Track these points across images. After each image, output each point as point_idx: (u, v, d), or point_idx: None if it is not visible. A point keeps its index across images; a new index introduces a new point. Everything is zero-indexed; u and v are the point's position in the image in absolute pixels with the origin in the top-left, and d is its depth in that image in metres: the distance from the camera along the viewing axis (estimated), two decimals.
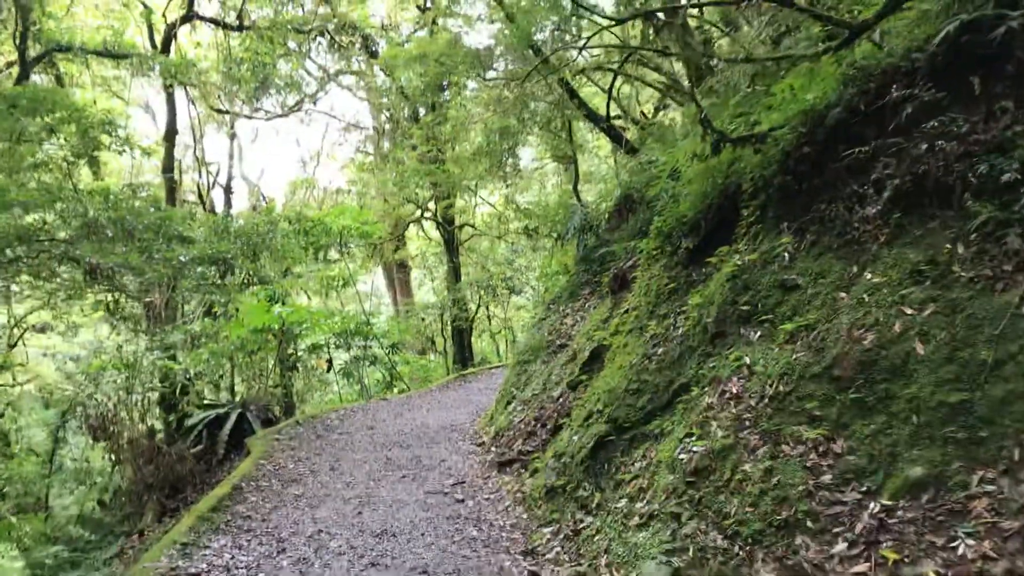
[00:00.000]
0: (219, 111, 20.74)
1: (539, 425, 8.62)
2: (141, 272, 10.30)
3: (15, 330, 20.92)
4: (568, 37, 13.45)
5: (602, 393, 6.97)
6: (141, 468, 10.09)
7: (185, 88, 18.98)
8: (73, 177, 11.48)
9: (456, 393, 15.11)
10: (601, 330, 8.84)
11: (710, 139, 6.64)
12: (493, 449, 9.11)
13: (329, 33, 19.46)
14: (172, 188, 18.17)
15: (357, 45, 21.71)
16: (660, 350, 6.55)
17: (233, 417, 11.47)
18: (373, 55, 21.82)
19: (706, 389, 5.72)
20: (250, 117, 21.27)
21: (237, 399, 13.54)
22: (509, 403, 10.52)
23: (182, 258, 10.94)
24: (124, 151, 11.85)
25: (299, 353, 19.80)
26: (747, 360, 5.45)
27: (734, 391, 5.38)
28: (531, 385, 10.26)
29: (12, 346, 21.21)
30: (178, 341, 16.61)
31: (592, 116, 13.93)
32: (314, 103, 27.09)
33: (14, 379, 23.22)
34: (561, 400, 8.58)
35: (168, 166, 18.19)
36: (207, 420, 11.65)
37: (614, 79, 13.48)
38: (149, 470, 10.00)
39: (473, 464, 8.78)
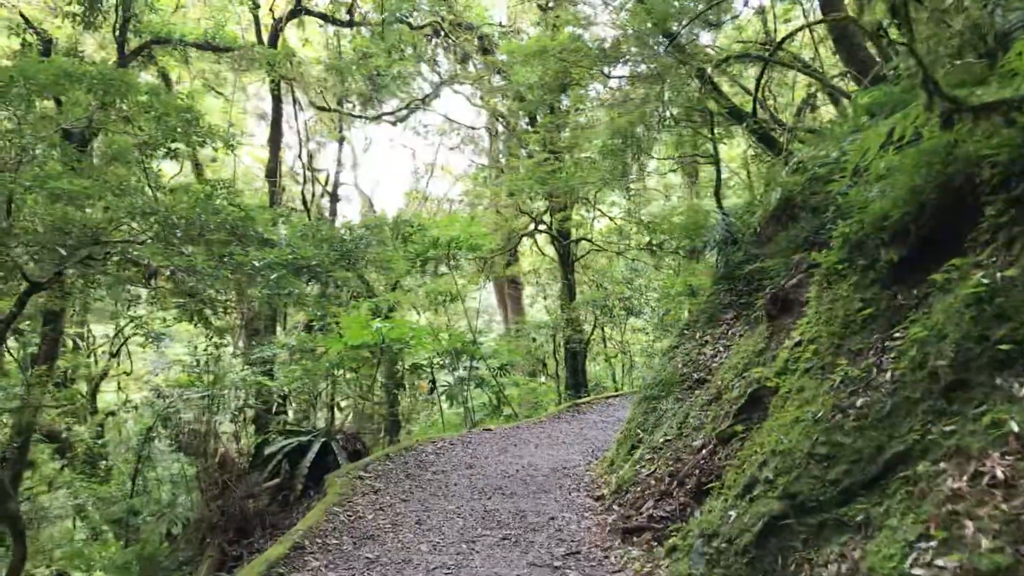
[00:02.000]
0: (322, 108, 19.92)
1: (675, 484, 6.91)
2: (206, 278, 9.21)
3: (117, 338, 20.71)
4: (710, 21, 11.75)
5: (770, 454, 5.22)
6: (208, 503, 8.95)
7: (291, 88, 18.23)
8: (148, 171, 10.57)
9: (568, 426, 13.49)
10: (759, 366, 7.07)
11: (937, 108, 4.82)
12: (615, 508, 7.44)
13: (443, 30, 18.33)
14: (275, 193, 17.39)
15: (474, 46, 20.55)
16: (859, 401, 4.76)
17: (315, 448, 10.23)
18: (489, 54, 20.59)
19: (943, 465, 3.94)
20: (357, 116, 20.37)
21: (322, 425, 12.34)
22: (634, 448, 8.83)
23: (256, 263, 9.82)
24: (207, 145, 10.84)
25: (405, 371, 18.67)
26: (1014, 426, 3.66)
27: (999, 474, 3.59)
28: (662, 428, 8.54)
29: (113, 355, 21.02)
30: (271, 356, 15.71)
31: (735, 112, 12.12)
32: (425, 109, 26.25)
33: (120, 389, 23.15)
34: (705, 453, 6.84)
35: (272, 169, 17.43)
36: (287, 449, 10.46)
37: (764, 68, 11.67)
38: (216, 507, 8.83)
39: (590, 526, 7.15)
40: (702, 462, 6.78)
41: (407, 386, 19.15)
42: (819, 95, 18.37)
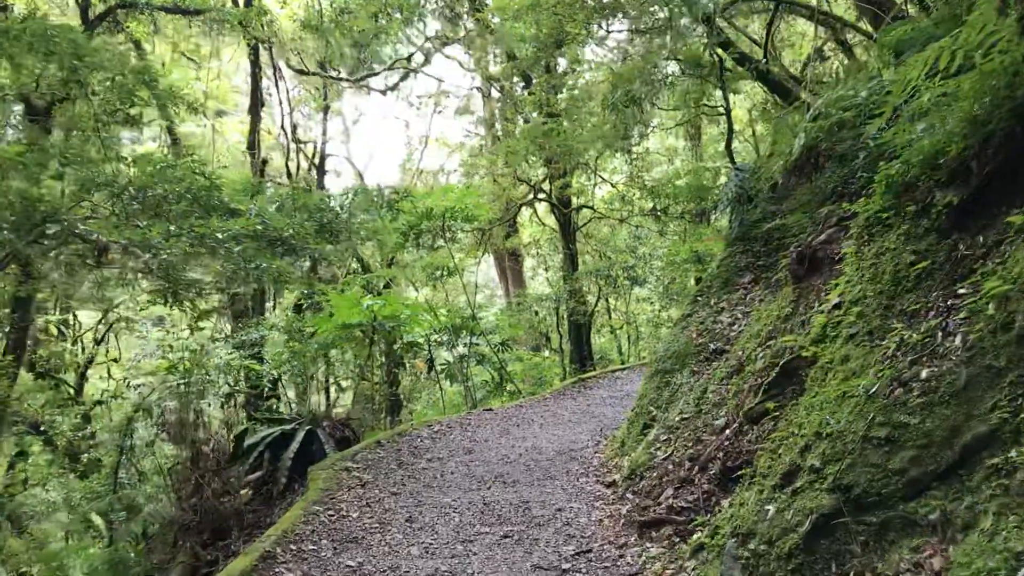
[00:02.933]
0: (301, 72, 18.95)
1: (697, 469, 6.14)
2: (159, 252, 8.36)
3: (102, 324, 19.96)
4: None
5: (813, 437, 4.44)
6: (182, 502, 8.21)
7: (271, 53, 17.30)
8: (106, 140, 9.73)
9: (574, 402, 12.74)
10: (787, 333, 6.28)
11: (1016, 10, 3.98)
12: (629, 497, 6.69)
13: None
14: (256, 166, 16.53)
15: (463, 5, 19.50)
16: (924, 372, 3.96)
17: (300, 437, 9.46)
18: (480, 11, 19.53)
19: None
20: (339, 79, 19.40)
21: (319, 410, 11.57)
22: (647, 428, 8.06)
23: (220, 235, 8.98)
24: (169, 108, 9.98)
25: (402, 350, 17.93)
26: None
27: None
28: (677, 404, 7.76)
29: (99, 341, 20.28)
30: (258, 338, 14.96)
31: (744, 59, 11.22)
32: (417, 73, 25.29)
33: (109, 376, 22.41)
34: (729, 434, 6.07)
35: (253, 141, 16.55)
36: (270, 439, 9.70)
37: (775, 11, 10.77)
38: (189, 506, 8.09)
39: (602, 519, 6.40)
40: (727, 444, 6.01)
41: (406, 365, 18.38)
42: (828, 46, 17.42)
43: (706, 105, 16.07)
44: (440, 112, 26.97)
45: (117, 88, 8.68)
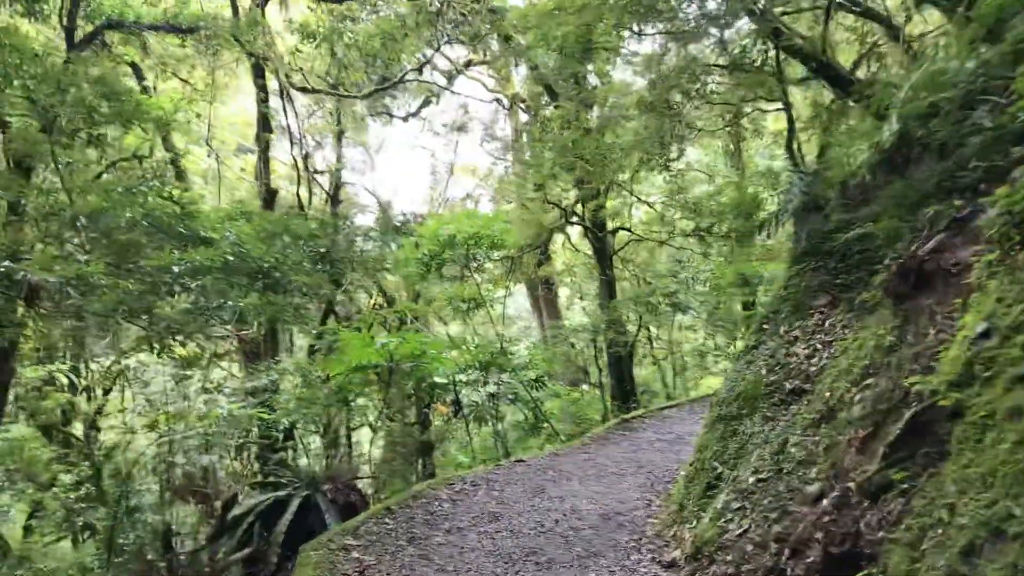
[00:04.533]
0: (304, 89, 17.86)
1: (789, 554, 4.71)
2: (108, 290, 7.12)
3: (110, 373, 18.91)
4: None
5: (982, 531, 3.01)
6: None
7: (277, 74, 16.26)
8: (59, 161, 8.57)
9: (619, 449, 11.29)
10: (894, 369, 4.87)
11: None
12: None
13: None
14: (267, 197, 15.43)
15: (484, 21, 18.35)
16: None
17: (295, 505, 8.15)
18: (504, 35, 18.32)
19: None
20: (347, 96, 18.26)
21: (306, 473, 10.25)
22: (711, 488, 6.62)
23: (175, 268, 7.74)
24: (134, 125, 8.87)
25: (428, 389, 16.62)
26: None
27: None
28: (748, 460, 6.32)
29: (107, 391, 19.25)
30: (270, 384, 13.77)
31: (800, 52, 9.84)
32: (438, 101, 24.26)
33: (125, 426, 21.34)
34: (830, 507, 4.63)
35: (264, 171, 15.47)
36: (260, 508, 8.39)
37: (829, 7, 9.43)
38: None
39: None
40: (827, 522, 4.57)
41: (431, 407, 17.07)
42: (882, 43, 15.96)
43: (756, 107, 14.55)
44: (465, 135, 25.91)
45: (74, 103, 7.55)
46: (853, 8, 13.35)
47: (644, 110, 12.76)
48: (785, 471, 5.67)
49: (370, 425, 17.09)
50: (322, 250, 9.78)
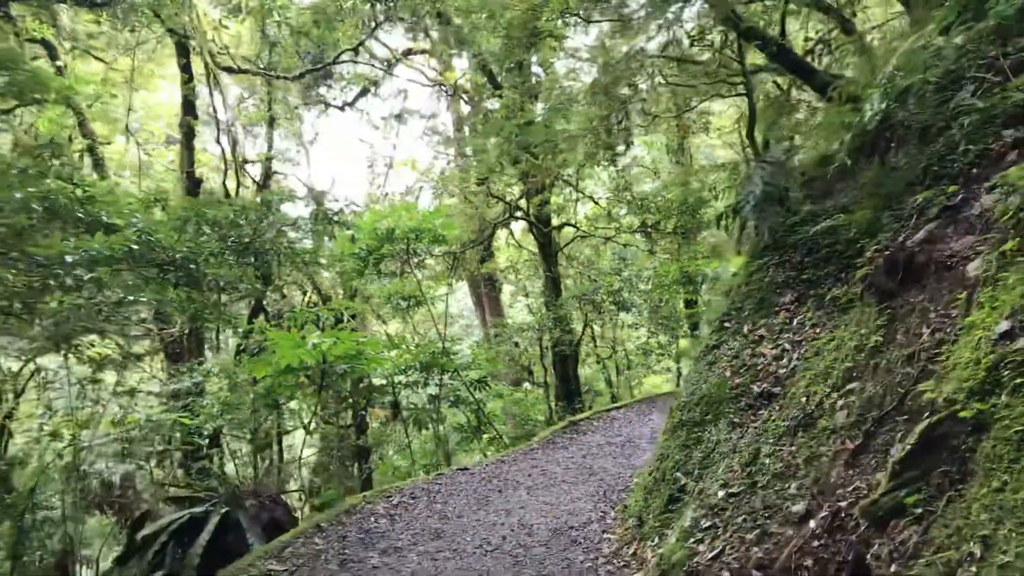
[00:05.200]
0: (229, 69, 16.84)
1: None
2: None
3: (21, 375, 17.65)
4: None
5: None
6: None
7: (203, 56, 15.26)
8: None
9: (567, 454, 10.72)
10: (883, 372, 4.39)
11: None
12: None
13: None
14: (190, 187, 14.46)
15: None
16: None
17: (213, 523, 7.36)
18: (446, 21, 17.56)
19: None
20: (276, 77, 17.30)
21: (228, 486, 9.43)
22: (675, 502, 6.08)
23: (68, 257, 6.86)
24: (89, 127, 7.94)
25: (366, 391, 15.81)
26: None
27: None
28: (716, 471, 5.79)
29: (19, 395, 17.97)
30: (192, 387, 12.87)
31: (759, 36, 9.38)
32: (377, 91, 23.41)
33: (40, 431, 20.03)
34: (819, 530, 4.10)
35: (186, 159, 14.48)
36: (174, 527, 7.58)
37: None
38: None
39: None
40: (818, 548, 4.02)
41: (367, 410, 16.29)
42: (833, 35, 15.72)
43: (709, 96, 14.07)
44: (405, 127, 25.12)
45: None
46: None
47: (595, 94, 12.18)
48: (760, 485, 5.14)
49: (304, 427, 16.25)
50: (246, 240, 8.92)
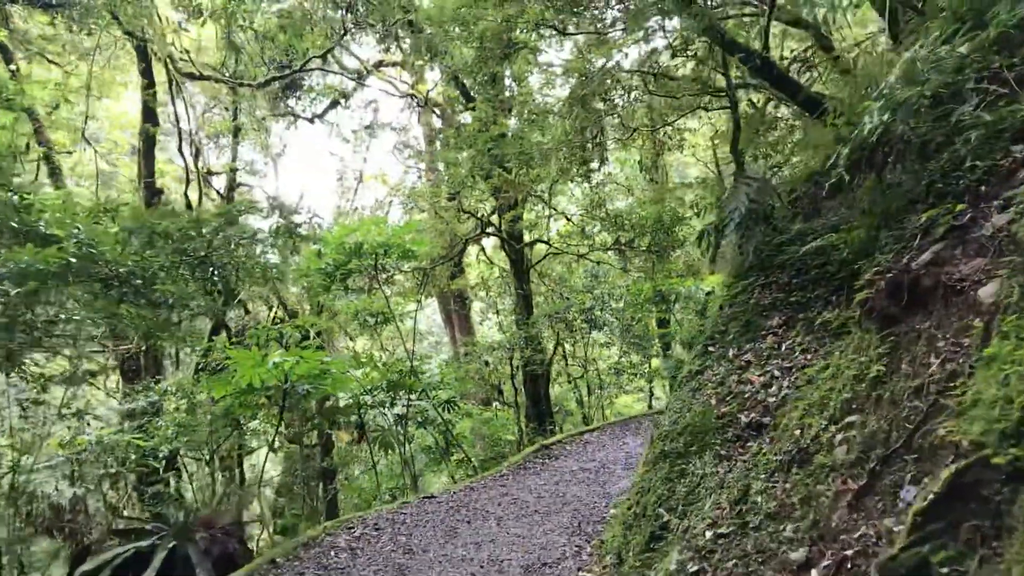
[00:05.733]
0: (191, 76, 16.27)
1: None
2: None
3: None
4: None
5: None
6: None
7: (166, 65, 14.74)
8: None
9: (539, 480, 10.29)
10: (888, 405, 4.05)
11: None
12: None
13: None
14: (149, 198, 13.89)
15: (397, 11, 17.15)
16: None
17: (159, 559, 6.83)
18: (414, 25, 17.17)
19: None
20: (241, 84, 16.79)
21: (178, 518, 8.86)
22: (657, 540, 5.69)
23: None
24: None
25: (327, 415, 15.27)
26: None
27: None
28: (702, 507, 5.41)
29: None
30: (149, 406, 12.29)
31: (741, 48, 9.08)
32: (348, 104, 22.98)
33: None
34: None
35: (147, 168, 13.91)
36: (119, 561, 7.04)
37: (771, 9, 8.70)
38: None
39: None
40: None
41: (341, 426, 15.73)
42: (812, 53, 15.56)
43: (685, 112, 13.74)
44: (376, 141, 24.68)
45: None
46: (779, 17, 12.82)
47: (571, 107, 11.85)
48: (751, 525, 4.75)
49: (269, 446, 15.69)
50: (201, 254, 8.39)
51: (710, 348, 7.11)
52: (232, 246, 8.89)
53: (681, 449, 6.12)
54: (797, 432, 5.05)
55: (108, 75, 18.74)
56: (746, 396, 6.09)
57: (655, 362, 23.04)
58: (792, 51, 16.40)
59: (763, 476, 5.07)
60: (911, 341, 4.44)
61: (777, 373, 6.09)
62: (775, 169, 9.08)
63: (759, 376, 6.22)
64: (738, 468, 5.46)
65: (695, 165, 28.14)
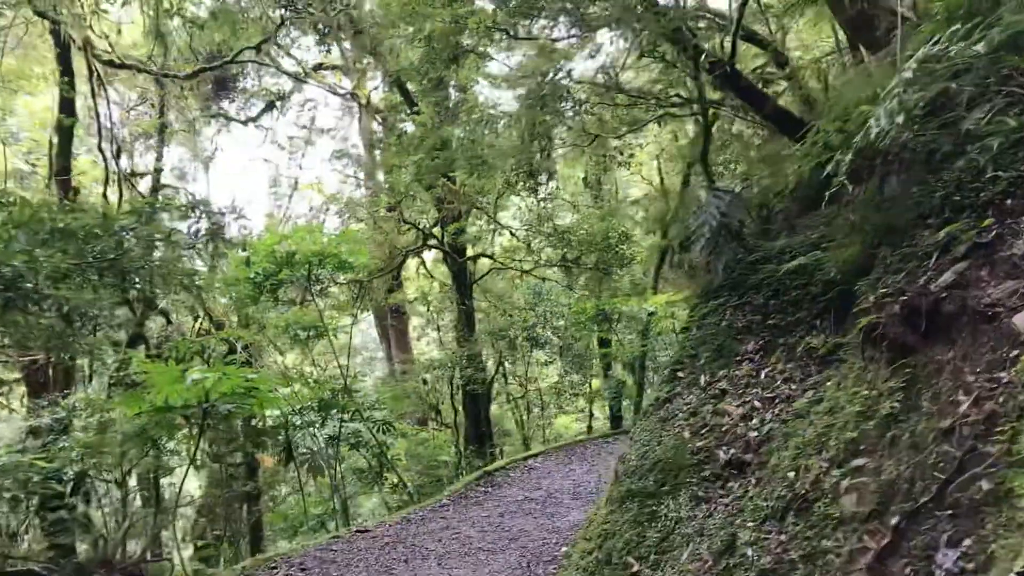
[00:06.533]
0: (112, 64, 15.15)
1: None
2: None
3: None
4: None
5: None
6: None
7: (86, 53, 13.66)
8: None
9: (483, 512, 9.56)
10: (905, 447, 3.46)
11: None
12: None
13: None
14: (63, 197, 12.81)
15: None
16: None
17: None
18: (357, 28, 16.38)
19: None
20: (166, 75, 15.68)
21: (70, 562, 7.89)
22: None
23: None
24: None
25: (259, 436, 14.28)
26: None
27: None
28: (679, 557, 4.79)
29: None
30: (56, 424, 11.22)
31: (710, 56, 8.57)
32: (283, 108, 22.03)
33: None
34: None
35: (61, 165, 12.82)
36: None
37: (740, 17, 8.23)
38: None
39: None
40: None
41: (259, 451, 14.74)
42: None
43: (672, 101, 13.14)
44: (312, 147, 23.76)
45: None
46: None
47: (531, 107, 11.26)
48: None
49: (192, 463, 14.60)
50: (110, 256, 7.44)
51: (679, 374, 6.50)
52: (146, 248, 7.95)
53: (651, 488, 5.47)
54: (791, 474, 4.45)
55: (25, 66, 17.50)
56: (724, 429, 5.48)
57: (595, 382, 22.54)
58: (752, 68, 16.15)
59: (752, 524, 4.45)
60: (931, 374, 3.88)
61: (758, 404, 5.50)
62: (742, 184, 8.61)
63: (737, 407, 5.62)
64: (720, 513, 4.84)
65: (636, 185, 27.91)
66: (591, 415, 23.08)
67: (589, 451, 14.04)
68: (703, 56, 8.29)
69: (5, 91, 17.91)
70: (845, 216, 5.86)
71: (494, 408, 23.09)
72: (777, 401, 5.36)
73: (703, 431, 5.60)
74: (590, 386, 22.24)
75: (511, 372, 22.74)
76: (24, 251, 6.07)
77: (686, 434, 5.67)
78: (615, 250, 18.16)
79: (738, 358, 6.15)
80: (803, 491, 4.25)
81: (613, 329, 20.92)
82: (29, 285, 6.40)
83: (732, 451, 5.24)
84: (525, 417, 22.95)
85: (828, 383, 4.95)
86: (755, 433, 5.21)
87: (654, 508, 5.31)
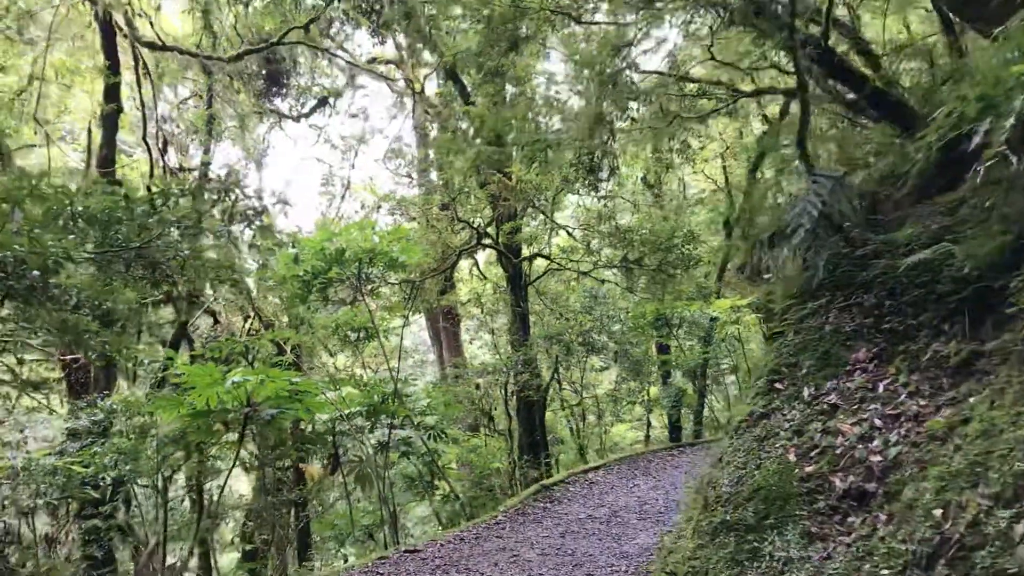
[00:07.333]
0: (152, 46, 14.71)
1: None
2: None
3: None
4: None
5: None
6: None
7: (132, 41, 13.30)
8: None
9: (541, 530, 8.82)
10: None
11: None
12: None
13: None
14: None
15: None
16: None
17: None
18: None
19: None
20: (209, 58, 15.19)
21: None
22: None
23: None
24: None
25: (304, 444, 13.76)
26: None
27: None
28: None
29: None
30: (95, 425, 10.81)
31: (801, 38, 7.73)
32: (335, 105, 21.62)
33: None
34: None
35: (106, 155, 12.45)
36: None
37: None
38: None
39: None
40: None
41: (307, 458, 14.22)
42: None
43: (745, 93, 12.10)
44: (365, 145, 23.29)
45: None
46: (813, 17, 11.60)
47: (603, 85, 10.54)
48: None
49: (233, 468, 14.15)
50: (135, 244, 6.85)
51: (777, 385, 5.69)
52: (182, 235, 7.35)
53: (751, 520, 4.67)
54: (937, 512, 3.63)
55: (75, 60, 17.30)
56: (838, 452, 4.67)
57: (653, 390, 21.66)
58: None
59: (888, 570, 3.64)
60: None
61: (878, 422, 4.67)
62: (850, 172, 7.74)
63: (852, 425, 4.80)
64: (840, 554, 4.03)
65: (699, 183, 26.96)
66: (648, 424, 22.21)
67: (653, 464, 13.24)
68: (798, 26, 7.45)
69: (58, 86, 17.77)
70: (979, 202, 5.01)
71: (548, 415, 22.30)
72: (903, 419, 4.54)
73: (812, 454, 4.79)
74: (647, 394, 21.37)
75: (565, 378, 21.95)
76: (25, 233, 5.49)
77: (791, 457, 4.87)
78: (680, 251, 17.29)
79: (848, 367, 5.33)
80: (955, 534, 3.44)
81: (674, 334, 20.08)
82: (35, 274, 5.82)
83: (851, 479, 4.42)
84: (580, 425, 22.13)
85: (972, 399, 4.13)
86: (878, 458, 4.39)
87: (756, 544, 4.51)
